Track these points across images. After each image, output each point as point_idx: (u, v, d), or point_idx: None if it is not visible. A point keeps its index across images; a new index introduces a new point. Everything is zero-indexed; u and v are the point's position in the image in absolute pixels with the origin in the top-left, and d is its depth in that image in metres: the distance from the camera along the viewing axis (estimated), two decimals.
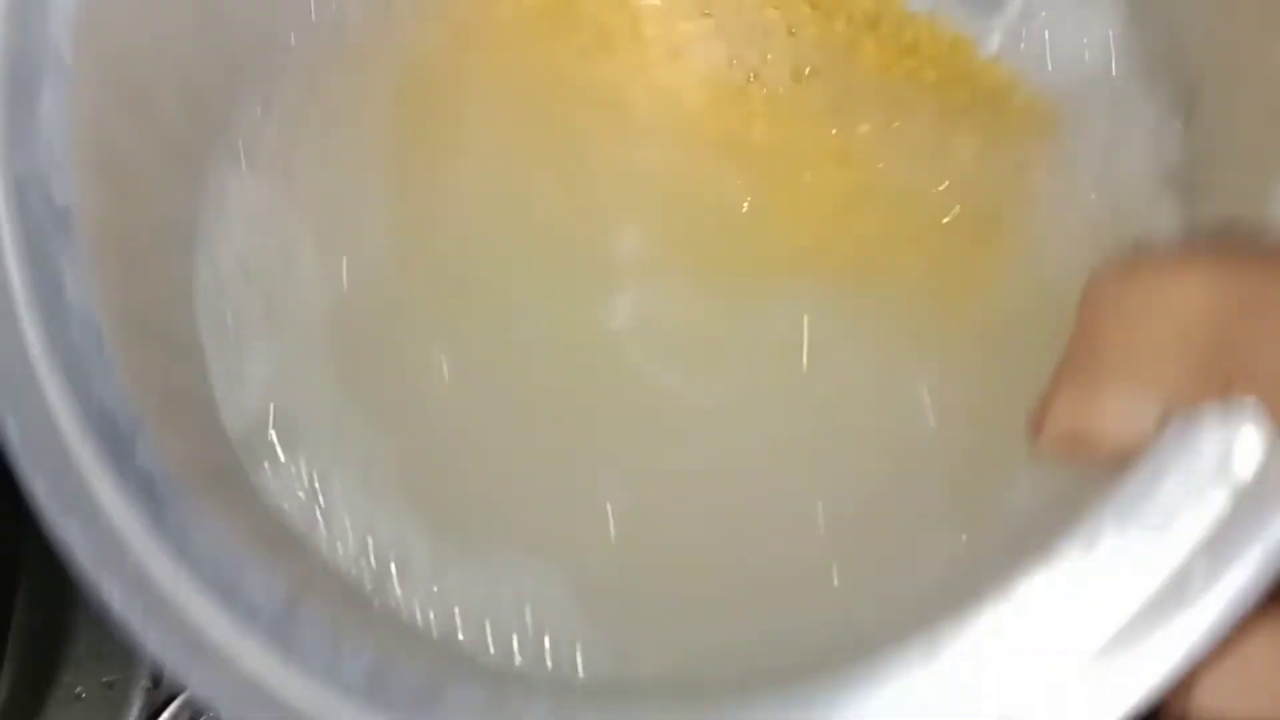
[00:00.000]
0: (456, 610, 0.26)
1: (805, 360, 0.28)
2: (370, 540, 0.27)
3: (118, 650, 0.38)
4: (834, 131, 0.30)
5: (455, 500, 0.28)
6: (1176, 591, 0.20)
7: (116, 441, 0.23)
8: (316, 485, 0.28)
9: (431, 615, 0.26)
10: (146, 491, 0.23)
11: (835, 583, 0.26)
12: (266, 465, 0.28)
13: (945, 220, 0.29)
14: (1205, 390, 0.19)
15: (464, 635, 0.26)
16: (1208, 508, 0.20)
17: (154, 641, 0.22)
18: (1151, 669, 0.20)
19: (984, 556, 0.26)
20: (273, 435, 0.28)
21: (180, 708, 0.38)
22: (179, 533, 0.23)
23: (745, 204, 0.30)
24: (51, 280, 0.24)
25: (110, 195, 0.26)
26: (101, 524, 0.23)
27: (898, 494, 0.27)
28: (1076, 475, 0.25)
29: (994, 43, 0.30)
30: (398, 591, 0.27)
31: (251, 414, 0.28)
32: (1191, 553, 0.20)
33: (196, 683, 0.22)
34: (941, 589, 0.25)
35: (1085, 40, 0.29)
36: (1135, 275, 0.21)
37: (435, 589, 0.27)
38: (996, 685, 0.20)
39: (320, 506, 0.28)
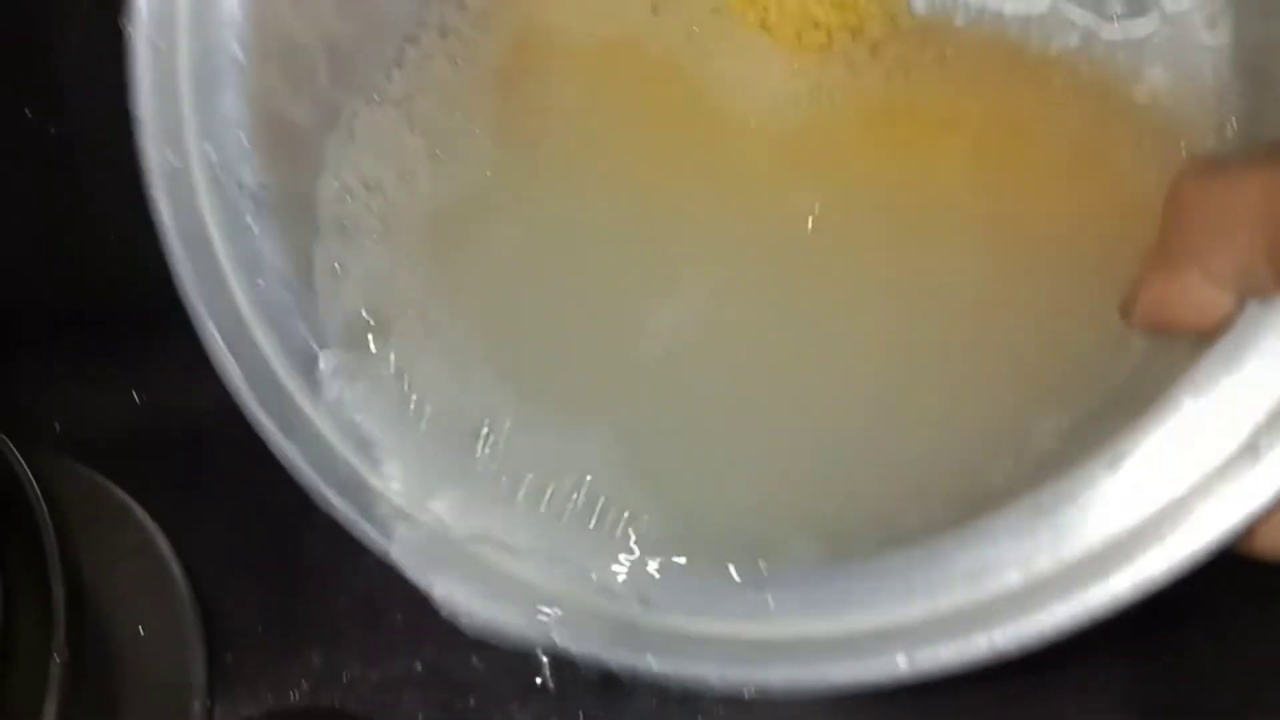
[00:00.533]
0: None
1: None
2: (459, 409, 0.30)
3: None
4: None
5: (534, 372, 0.31)
6: (1250, 453, 0.23)
7: (315, 371, 0.28)
8: (405, 368, 0.31)
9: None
10: (341, 410, 0.28)
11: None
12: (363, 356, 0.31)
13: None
14: (1269, 274, 0.23)
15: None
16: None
17: (362, 526, 0.27)
18: (1217, 521, 0.23)
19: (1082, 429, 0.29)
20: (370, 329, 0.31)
21: None
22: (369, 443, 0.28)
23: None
24: (250, 248, 0.29)
25: (283, 163, 0.31)
26: (317, 442, 0.27)
27: (1006, 379, 0.31)
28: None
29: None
30: (482, 454, 0.30)
31: (350, 311, 0.31)
32: (1265, 419, 0.23)
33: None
34: (1044, 456, 0.29)
35: None
36: (1212, 178, 0.24)
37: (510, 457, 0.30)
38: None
39: (412, 386, 0.31)
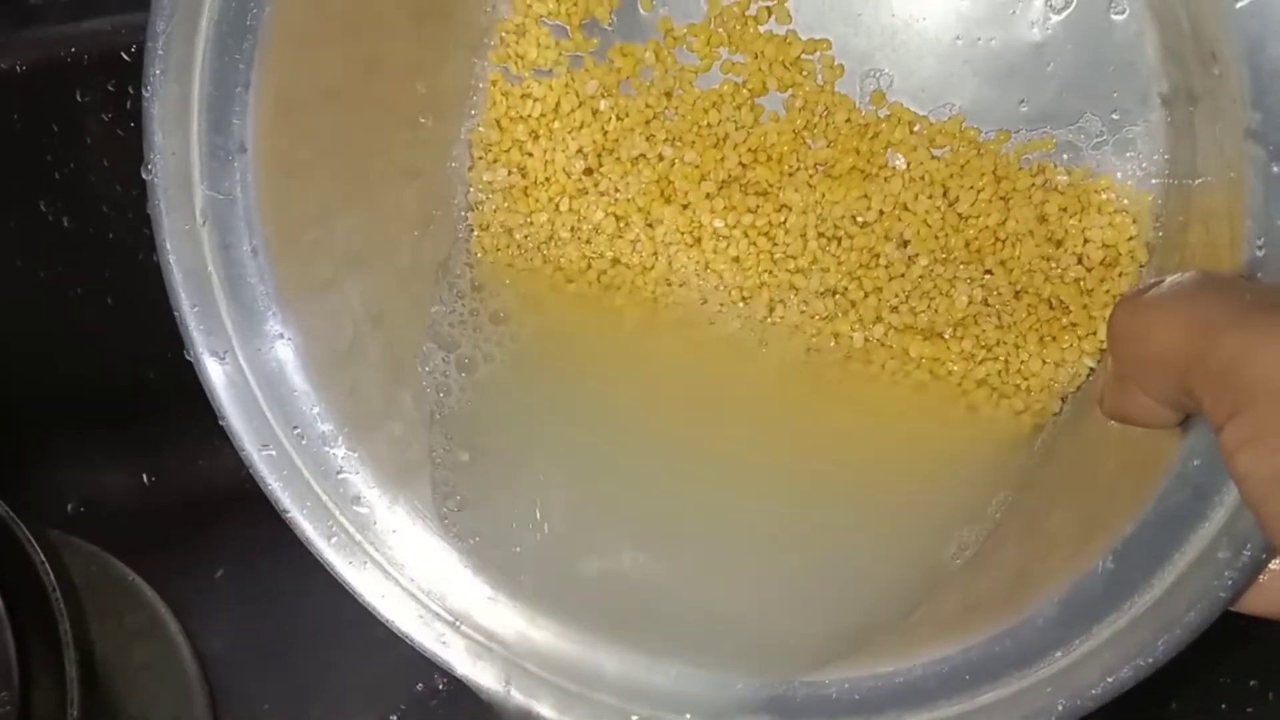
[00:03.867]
0: None
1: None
2: None
3: None
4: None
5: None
6: (1212, 550, 0.29)
7: None
8: None
9: None
10: None
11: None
12: None
13: None
14: (1191, 403, 0.26)
15: None
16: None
17: None
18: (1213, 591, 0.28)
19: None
20: None
21: None
22: None
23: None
24: None
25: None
26: None
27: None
28: None
29: None
30: None
31: None
32: (1220, 525, 0.29)
33: None
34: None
35: None
36: (1136, 312, 0.28)
37: None
38: None
39: None
